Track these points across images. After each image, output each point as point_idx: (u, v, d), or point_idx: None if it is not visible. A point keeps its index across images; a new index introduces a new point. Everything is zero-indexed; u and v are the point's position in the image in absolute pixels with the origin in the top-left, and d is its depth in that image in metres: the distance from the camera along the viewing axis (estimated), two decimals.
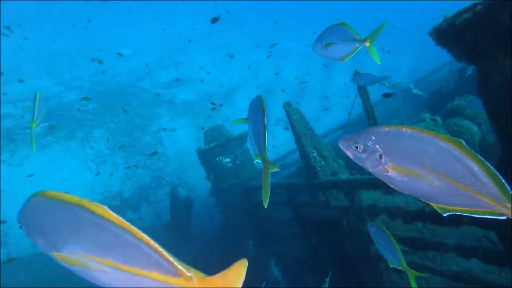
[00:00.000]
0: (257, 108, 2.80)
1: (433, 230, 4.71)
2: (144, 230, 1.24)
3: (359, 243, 5.28)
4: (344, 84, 18.82)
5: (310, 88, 21.41)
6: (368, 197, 5.19)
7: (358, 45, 2.95)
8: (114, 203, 13.48)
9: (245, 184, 9.52)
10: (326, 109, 17.14)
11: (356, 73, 6.77)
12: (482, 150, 7.56)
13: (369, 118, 6.70)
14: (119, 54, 13.34)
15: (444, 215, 1.64)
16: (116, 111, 16.35)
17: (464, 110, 7.59)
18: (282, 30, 28.03)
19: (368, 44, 2.88)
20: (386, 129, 1.72)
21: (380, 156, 1.73)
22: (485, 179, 1.50)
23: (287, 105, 6.18)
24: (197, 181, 14.71)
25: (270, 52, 17.78)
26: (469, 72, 7.04)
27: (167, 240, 11.53)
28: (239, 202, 9.69)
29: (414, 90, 5.50)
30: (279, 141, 17.46)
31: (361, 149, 1.80)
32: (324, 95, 21.72)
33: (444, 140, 1.55)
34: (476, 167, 1.51)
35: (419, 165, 1.62)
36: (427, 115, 6.72)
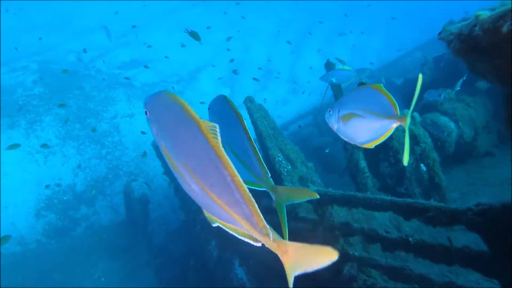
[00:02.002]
0: (228, 114, 2.06)
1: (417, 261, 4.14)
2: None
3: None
4: (311, 67, 18.11)
5: (278, 70, 20.52)
6: (342, 214, 4.53)
7: (394, 124, 2.14)
8: (65, 198, 12.23)
9: None
10: (304, 92, 16.30)
11: (327, 64, 6.01)
12: (458, 149, 7.10)
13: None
14: None
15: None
16: (66, 96, 14.68)
17: (441, 105, 7.05)
18: (249, 7, 26.70)
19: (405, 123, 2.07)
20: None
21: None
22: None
23: (248, 101, 5.33)
24: (158, 171, 13.71)
25: (239, 31, 16.68)
26: (458, 88, 6.42)
27: (125, 236, 10.62)
28: None
29: (361, 77, 4.89)
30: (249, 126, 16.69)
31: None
32: (292, 78, 20.91)
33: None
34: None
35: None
36: (404, 112, 6.11)
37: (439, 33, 2.57)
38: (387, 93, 1.99)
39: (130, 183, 10.35)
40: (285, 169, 5.33)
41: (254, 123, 5.32)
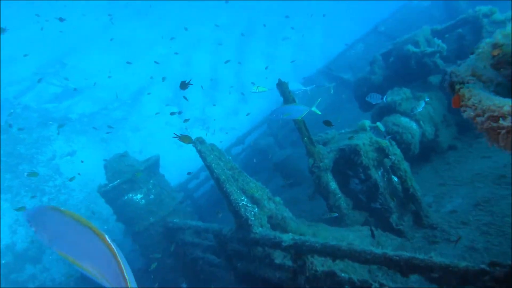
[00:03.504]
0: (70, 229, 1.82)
1: None
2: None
3: None
4: (253, 83, 17.46)
5: (225, 79, 19.80)
6: (325, 264, 3.95)
7: None
8: (4, 261, 10.61)
9: (166, 223, 7.84)
10: (248, 114, 15.68)
11: (279, 84, 5.42)
12: (422, 147, 6.86)
13: (303, 135, 5.47)
14: None
15: None
16: None
17: (400, 105, 6.77)
18: (189, 15, 25.64)
19: None
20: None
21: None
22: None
23: (198, 143, 4.60)
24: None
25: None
26: (419, 110, 5.98)
27: None
28: (162, 243, 8.01)
29: (313, 108, 4.49)
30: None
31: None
32: (240, 84, 20.28)
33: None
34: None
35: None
36: (367, 123, 5.71)
37: (443, 82, 2.01)
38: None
39: None
40: (252, 212, 4.68)
41: (208, 167, 4.60)
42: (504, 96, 1.55)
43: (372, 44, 16.54)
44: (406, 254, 2.84)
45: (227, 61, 14.22)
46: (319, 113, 4.78)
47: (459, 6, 13.01)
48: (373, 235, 4.34)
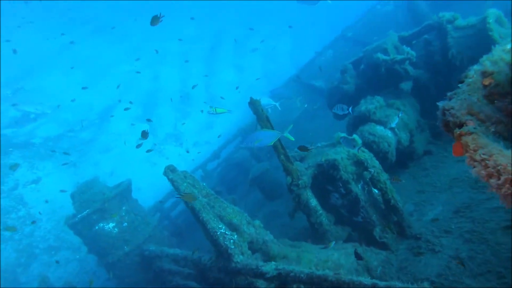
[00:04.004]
0: None
1: None
2: None
3: None
4: (222, 98, 17.15)
5: (196, 93, 19.41)
6: None
7: None
8: None
9: (142, 251, 7.42)
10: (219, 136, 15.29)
11: (251, 102, 5.22)
12: (399, 154, 6.82)
13: (279, 153, 5.28)
14: None
15: None
16: None
17: (374, 114, 6.71)
18: (153, 30, 25.11)
19: None
20: None
21: None
22: None
23: (169, 172, 4.31)
24: None
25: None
26: (393, 125, 5.88)
27: None
28: (139, 273, 7.58)
29: (286, 134, 4.44)
30: (172, 162, 15.20)
31: None
32: (211, 96, 19.95)
33: None
34: None
35: None
36: (341, 135, 5.60)
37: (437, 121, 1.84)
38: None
39: (45, 277, 8.49)
40: (231, 240, 4.41)
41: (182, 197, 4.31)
42: (506, 136, 1.40)
43: (341, 50, 16.73)
44: (398, 284, 2.66)
45: (194, 86, 13.93)
46: (292, 139, 4.66)
47: (421, 10, 13.34)
48: (360, 258, 4.17)
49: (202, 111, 15.62)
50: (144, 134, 3.75)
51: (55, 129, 16.16)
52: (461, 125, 1.54)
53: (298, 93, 15.26)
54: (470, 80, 1.62)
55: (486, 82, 1.57)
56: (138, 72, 14.47)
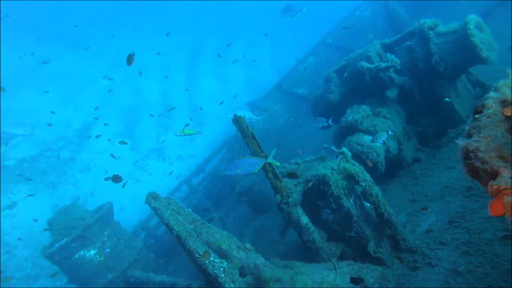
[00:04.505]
0: None
1: None
2: None
3: None
4: (201, 108, 16.90)
5: (178, 105, 19.05)
6: None
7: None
8: None
9: (126, 278, 7.04)
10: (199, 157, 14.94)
11: (235, 119, 4.99)
12: (388, 164, 6.69)
13: (266, 171, 5.05)
14: None
15: None
16: None
17: (361, 124, 6.59)
18: (131, 44, 24.61)
19: None
20: None
21: None
22: None
23: (152, 200, 4.03)
24: None
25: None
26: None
27: None
28: None
29: (270, 160, 4.51)
30: (155, 178, 14.65)
31: None
32: (193, 107, 19.59)
33: None
34: None
35: None
36: (325, 146, 5.43)
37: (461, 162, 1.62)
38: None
39: None
40: (221, 268, 4.15)
41: (167, 225, 4.03)
42: None
43: (322, 56, 16.75)
44: None
45: (171, 109, 13.69)
46: (278, 164, 4.55)
47: (399, 16, 13.46)
48: (358, 282, 3.97)
49: (187, 124, 15.40)
50: (116, 179, 3.53)
51: (30, 149, 15.47)
52: (493, 173, 1.34)
53: (280, 102, 15.13)
54: (489, 111, 1.42)
55: (508, 112, 1.38)
56: (109, 91, 14.00)
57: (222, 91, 20.65)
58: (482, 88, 7.54)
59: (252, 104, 12.52)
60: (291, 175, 4.34)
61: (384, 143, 6.58)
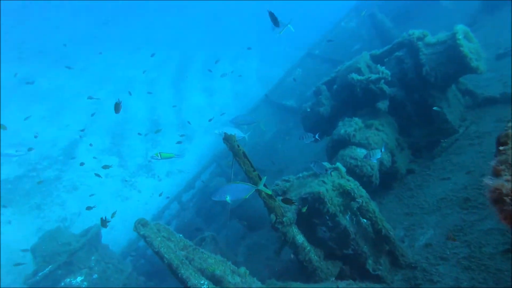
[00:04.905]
0: None
1: None
2: None
3: None
4: (189, 122, 16.74)
5: (166, 120, 18.84)
6: None
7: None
8: None
9: None
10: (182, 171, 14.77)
11: (225, 138, 4.82)
12: (383, 176, 6.58)
13: (259, 191, 4.86)
14: None
15: None
16: None
17: (354, 137, 6.48)
18: (115, 61, 24.37)
19: None
20: None
21: None
22: None
23: (140, 227, 3.80)
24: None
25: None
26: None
27: None
28: None
29: (261, 187, 4.44)
30: (144, 195, 14.29)
31: None
32: (181, 122, 19.37)
33: None
34: None
35: None
36: (326, 165, 5.29)
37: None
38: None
39: None
40: None
41: (157, 253, 3.81)
42: None
43: (310, 68, 16.80)
44: None
45: (157, 131, 13.61)
46: (270, 192, 4.49)
47: (385, 26, 13.59)
48: None
49: (180, 142, 15.21)
50: (103, 223, 3.39)
51: (14, 170, 14.98)
52: None
53: (269, 114, 15.05)
54: None
55: None
56: (93, 115, 13.72)
57: (210, 104, 20.52)
58: (472, 96, 7.54)
59: (236, 120, 12.40)
60: (286, 201, 4.22)
61: None
